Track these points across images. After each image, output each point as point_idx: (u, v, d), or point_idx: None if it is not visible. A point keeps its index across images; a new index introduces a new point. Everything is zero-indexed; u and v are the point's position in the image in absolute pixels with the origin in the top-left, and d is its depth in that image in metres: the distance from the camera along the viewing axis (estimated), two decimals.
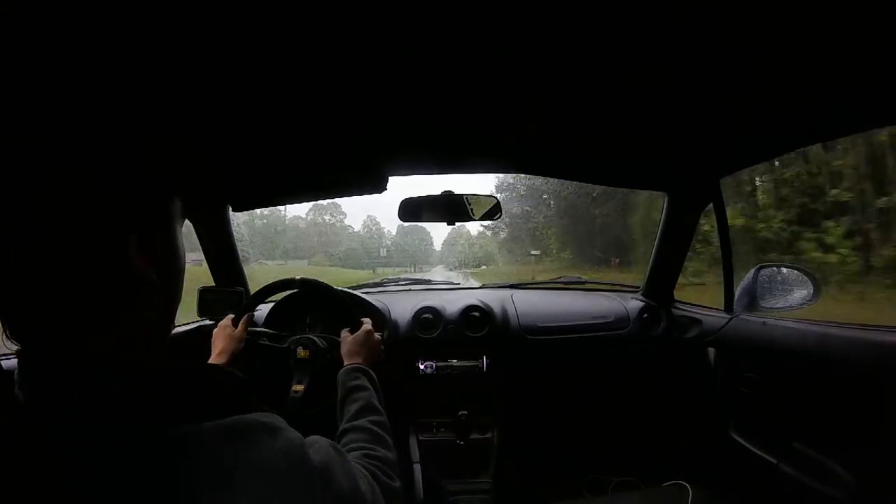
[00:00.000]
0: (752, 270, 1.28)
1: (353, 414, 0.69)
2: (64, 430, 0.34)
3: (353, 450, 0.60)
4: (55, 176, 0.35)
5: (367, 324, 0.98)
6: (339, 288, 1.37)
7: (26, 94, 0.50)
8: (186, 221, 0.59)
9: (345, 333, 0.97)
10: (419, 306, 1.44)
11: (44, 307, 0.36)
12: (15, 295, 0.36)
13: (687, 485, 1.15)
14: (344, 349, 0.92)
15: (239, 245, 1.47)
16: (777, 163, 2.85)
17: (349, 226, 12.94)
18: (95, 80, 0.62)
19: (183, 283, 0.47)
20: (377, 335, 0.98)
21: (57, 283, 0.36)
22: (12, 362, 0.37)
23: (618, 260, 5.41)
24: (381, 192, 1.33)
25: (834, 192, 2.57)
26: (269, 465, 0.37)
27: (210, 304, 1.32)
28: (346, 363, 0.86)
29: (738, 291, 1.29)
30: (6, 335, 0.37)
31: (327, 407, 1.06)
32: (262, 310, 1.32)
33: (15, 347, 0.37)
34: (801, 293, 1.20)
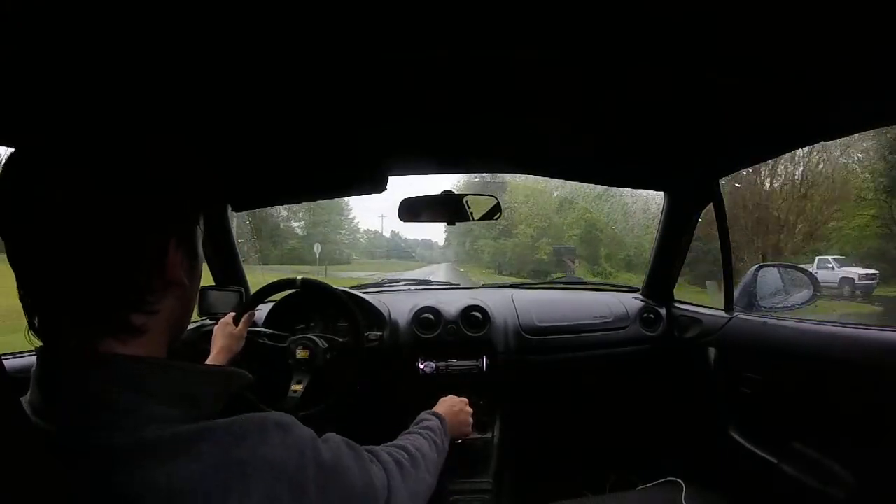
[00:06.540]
0: (752, 270, 1.28)
1: (407, 437, 0.69)
2: (67, 430, 0.35)
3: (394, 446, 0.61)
4: (67, 176, 0.35)
5: (465, 400, 0.98)
6: (340, 288, 1.37)
7: (31, 95, 0.50)
8: None
9: (450, 399, 0.96)
10: (419, 306, 1.44)
11: (64, 304, 0.37)
12: (38, 290, 0.37)
13: (682, 482, 1.15)
14: (441, 408, 0.91)
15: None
16: None
17: None
18: (98, 81, 0.62)
19: (199, 285, 0.48)
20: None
21: (75, 280, 0.36)
22: (15, 362, 0.38)
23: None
24: (380, 192, 1.33)
25: None
26: (281, 461, 0.37)
27: (210, 303, 1.32)
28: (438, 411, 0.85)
29: (737, 291, 1.29)
30: (29, 330, 0.38)
31: (325, 408, 1.06)
32: (263, 310, 1.32)
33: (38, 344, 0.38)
34: (800, 293, 1.21)
